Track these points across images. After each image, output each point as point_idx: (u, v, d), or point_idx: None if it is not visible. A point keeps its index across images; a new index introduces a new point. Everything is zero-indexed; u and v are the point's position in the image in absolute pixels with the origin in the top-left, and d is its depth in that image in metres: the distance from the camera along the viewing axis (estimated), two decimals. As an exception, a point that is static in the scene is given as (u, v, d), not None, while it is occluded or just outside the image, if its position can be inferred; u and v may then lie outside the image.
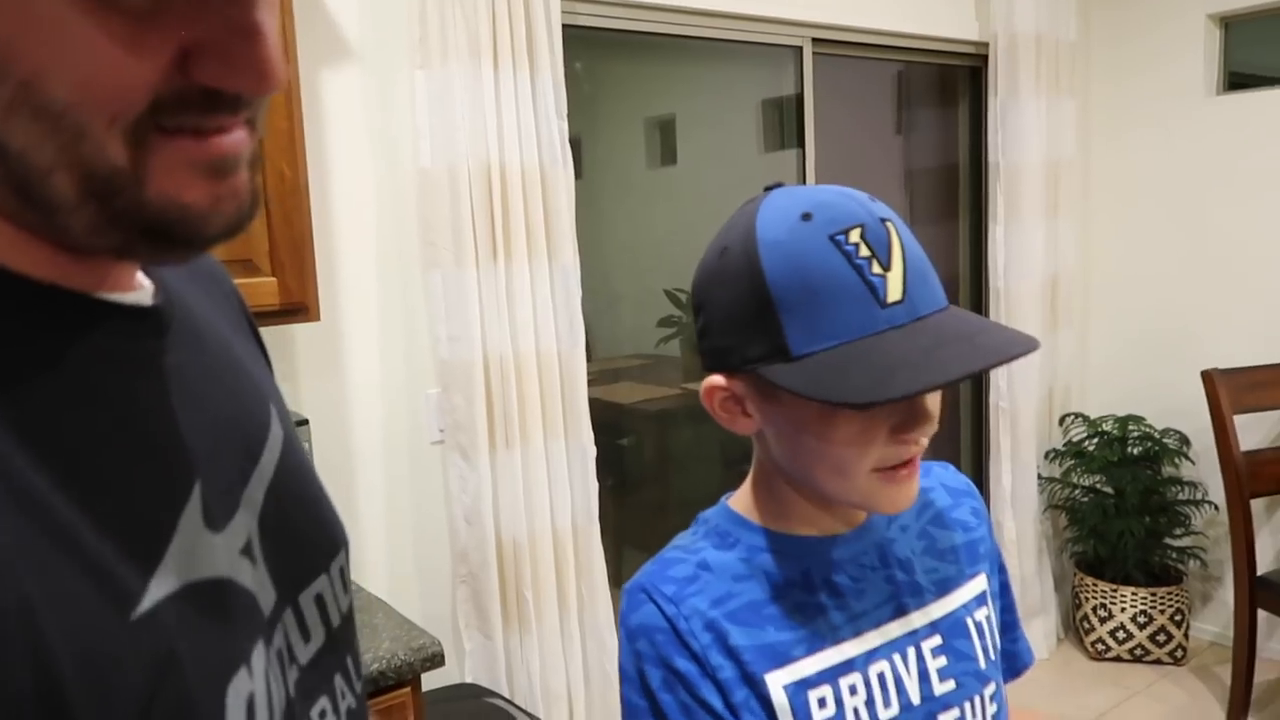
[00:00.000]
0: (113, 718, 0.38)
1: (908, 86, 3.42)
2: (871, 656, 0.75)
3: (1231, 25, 3.18)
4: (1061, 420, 3.38)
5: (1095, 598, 3.19)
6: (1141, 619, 3.15)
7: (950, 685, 0.77)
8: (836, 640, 0.74)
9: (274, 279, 1.57)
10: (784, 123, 2.95)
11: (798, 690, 0.72)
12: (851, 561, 0.77)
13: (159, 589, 0.42)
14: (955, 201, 3.52)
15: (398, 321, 2.06)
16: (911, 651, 0.76)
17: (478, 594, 2.08)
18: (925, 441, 0.72)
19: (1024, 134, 3.10)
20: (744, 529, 0.78)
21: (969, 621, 0.80)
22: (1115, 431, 3.22)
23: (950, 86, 3.46)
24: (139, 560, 0.41)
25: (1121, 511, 3.12)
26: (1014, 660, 0.91)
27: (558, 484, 2.15)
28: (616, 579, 2.37)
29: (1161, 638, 3.16)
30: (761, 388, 0.71)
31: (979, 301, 3.44)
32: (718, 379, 0.74)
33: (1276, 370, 2.89)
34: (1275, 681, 3.02)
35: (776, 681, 0.72)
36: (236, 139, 0.42)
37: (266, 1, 0.40)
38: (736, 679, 0.71)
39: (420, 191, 2.00)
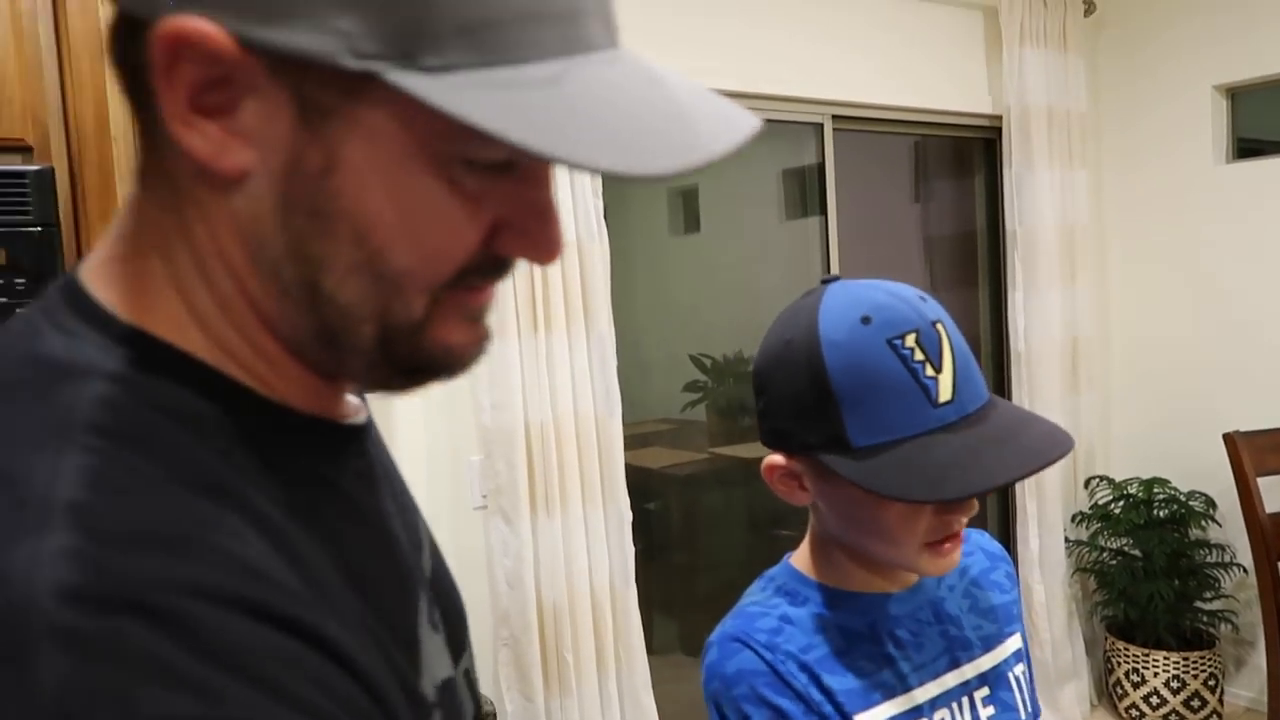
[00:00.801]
0: None
1: (925, 157, 3.54)
2: (935, 704, 0.82)
3: (1238, 96, 3.29)
4: (1087, 483, 3.41)
5: (1127, 662, 3.19)
6: (1175, 684, 3.14)
7: None
8: (906, 688, 0.81)
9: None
10: (805, 192, 3.05)
11: None
12: (909, 617, 0.84)
13: (430, 699, 0.48)
14: (974, 268, 3.60)
15: (441, 390, 2.14)
16: (965, 700, 0.83)
17: (519, 656, 2.12)
18: (966, 520, 0.79)
19: (1039, 202, 3.19)
20: (809, 587, 0.85)
21: (1010, 676, 0.88)
22: (1140, 494, 3.25)
23: (966, 157, 3.57)
24: (412, 664, 0.47)
25: (1150, 574, 3.13)
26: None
27: (596, 548, 2.21)
28: (648, 643, 2.40)
29: (1196, 703, 3.14)
30: (818, 469, 0.78)
31: (1001, 365, 3.50)
32: (778, 458, 0.81)
33: (1298, 431, 2.92)
34: (1313, 746, 2.98)
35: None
36: (491, 291, 0.48)
37: (553, 184, 0.46)
38: (835, 716, 0.78)
39: (464, 266, 2.10)
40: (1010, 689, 0.86)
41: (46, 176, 1.39)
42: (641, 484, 2.28)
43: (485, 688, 2.13)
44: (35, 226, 1.38)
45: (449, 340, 0.46)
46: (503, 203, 0.44)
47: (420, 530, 0.58)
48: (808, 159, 2.99)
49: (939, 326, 0.75)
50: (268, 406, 0.45)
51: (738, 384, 3.17)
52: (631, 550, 2.27)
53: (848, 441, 0.74)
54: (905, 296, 0.77)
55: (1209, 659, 3.14)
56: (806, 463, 0.79)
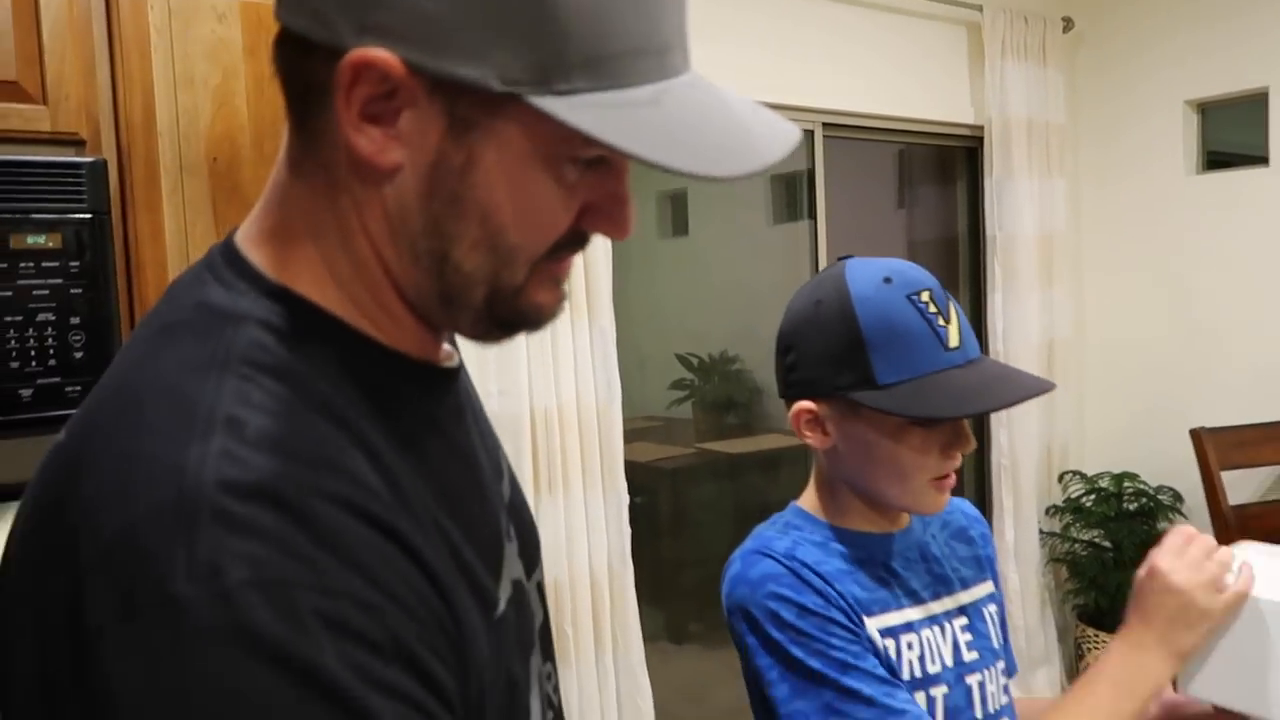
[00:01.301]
0: (472, 693, 0.53)
1: (910, 165, 3.68)
2: (921, 625, 0.94)
3: (1208, 110, 3.44)
4: (1060, 477, 3.56)
5: (1098, 648, 3.33)
6: (1142, 669, 3.28)
7: (975, 655, 0.97)
8: (900, 606, 0.94)
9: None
10: (793, 197, 3.18)
11: (880, 636, 0.91)
12: (900, 554, 0.98)
13: (503, 596, 0.58)
14: (955, 271, 3.75)
15: (451, 378, 2.26)
16: (948, 626, 0.96)
17: (521, 631, 2.24)
18: (961, 459, 0.93)
19: (1018, 209, 3.34)
20: (815, 524, 0.97)
21: (985, 612, 1.01)
22: (1111, 488, 3.40)
23: (949, 165, 3.71)
24: (491, 573, 0.58)
25: (1119, 564, 3.27)
26: (1007, 665, 1.10)
27: (595, 529, 2.33)
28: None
29: (1161, 688, 3.29)
30: (844, 410, 0.92)
31: (980, 365, 3.63)
32: (807, 403, 0.94)
33: (1261, 429, 3.07)
34: (1271, 730, 3.13)
35: (871, 625, 0.91)
36: (572, 261, 0.60)
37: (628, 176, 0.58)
38: (849, 608, 0.90)
39: (475, 260, 2.22)
40: (985, 623, 1.00)
41: (99, 168, 1.50)
42: (629, 478, 2.40)
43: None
44: (87, 214, 1.49)
45: (540, 300, 0.57)
46: (591, 190, 0.55)
47: (501, 460, 0.70)
48: (798, 165, 3.12)
49: (942, 290, 0.91)
50: (386, 354, 0.57)
51: (724, 382, 3.28)
52: (629, 532, 2.39)
53: (875, 379, 0.87)
54: (915, 267, 0.93)
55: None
56: (833, 405, 0.92)
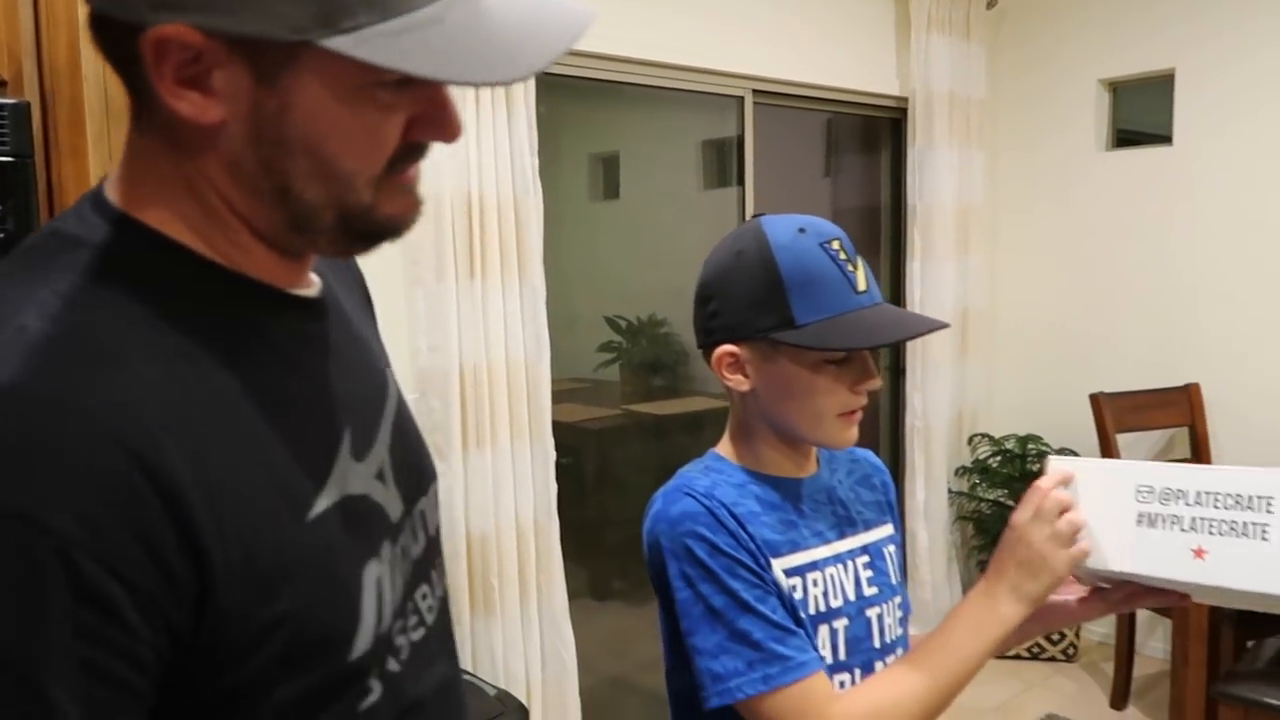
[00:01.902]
0: (286, 595, 0.57)
1: (837, 134, 3.76)
2: (826, 562, 1.02)
3: (1119, 89, 3.60)
4: (970, 440, 3.72)
5: (998, 601, 3.51)
6: (1039, 620, 3.48)
7: (875, 590, 1.06)
8: (807, 547, 1.02)
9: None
10: (724, 162, 3.23)
11: (786, 576, 0.99)
12: (809, 497, 1.06)
13: (322, 503, 0.62)
14: (877, 239, 3.86)
15: (381, 333, 2.27)
16: (850, 563, 1.05)
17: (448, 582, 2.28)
18: (866, 396, 1.01)
19: (939, 180, 3.45)
20: (732, 468, 1.04)
21: (885, 551, 1.10)
22: (1016, 450, 3.57)
23: (874, 135, 3.81)
24: (312, 480, 0.62)
25: (1021, 522, 3.45)
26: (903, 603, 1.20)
27: (522, 483, 2.37)
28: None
29: (1055, 637, 3.50)
30: (764, 350, 0.99)
31: (898, 330, 3.77)
32: (729, 347, 1.01)
33: (1154, 395, 3.26)
34: (1152, 675, 3.37)
35: (776, 566, 0.98)
36: (418, 169, 0.65)
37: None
38: (757, 550, 0.97)
39: (405, 215, 2.22)
40: (885, 561, 1.09)
41: (22, 111, 1.47)
42: (556, 438, 2.44)
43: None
44: (9, 158, 1.46)
45: (392, 211, 0.63)
46: (412, 104, 0.60)
47: (384, 388, 0.76)
48: (726, 131, 3.17)
49: (849, 240, 1.01)
50: (228, 276, 0.62)
51: (652, 345, 3.34)
52: (555, 487, 2.44)
53: (794, 320, 0.96)
54: (822, 219, 1.02)
55: (1069, 599, 3.49)
56: (754, 347, 0.99)
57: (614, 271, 3.15)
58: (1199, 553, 0.93)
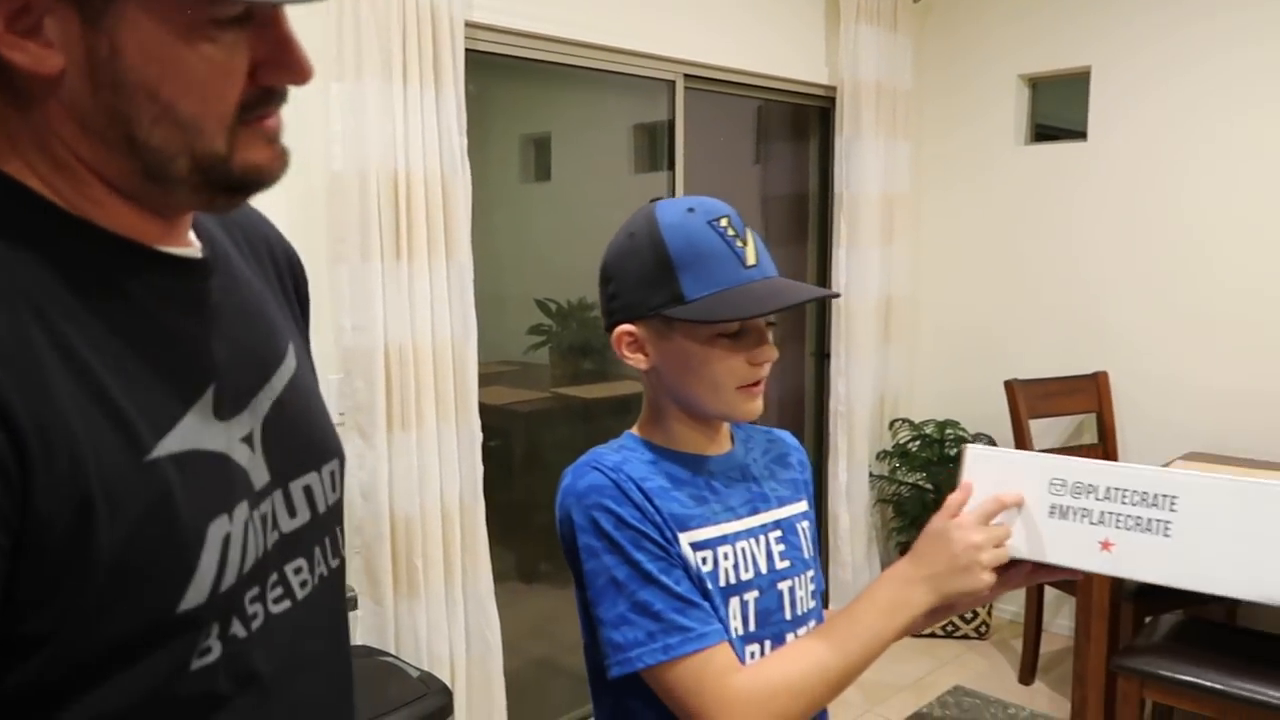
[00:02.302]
0: (115, 528, 0.57)
1: (767, 121, 3.80)
2: (738, 536, 1.04)
3: (1038, 85, 3.70)
4: (891, 424, 3.81)
5: (915, 581, 3.62)
6: (953, 599, 3.60)
7: (787, 564, 1.08)
8: (717, 522, 1.03)
9: (205, 264, 1.73)
10: (655, 146, 3.24)
11: (695, 549, 1.00)
12: (723, 473, 1.07)
13: (165, 448, 0.61)
14: (805, 226, 3.92)
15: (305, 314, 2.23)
16: (763, 538, 1.06)
17: (370, 564, 2.26)
18: (768, 367, 1.02)
19: (865, 169, 3.52)
20: (646, 446, 1.06)
21: (798, 527, 1.12)
22: (934, 434, 3.67)
23: (803, 123, 3.86)
24: (155, 425, 0.61)
25: (939, 505, 3.54)
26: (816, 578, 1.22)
27: (448, 464, 2.36)
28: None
29: (968, 615, 3.62)
30: (660, 329, 1.01)
31: (824, 316, 3.84)
32: (627, 326, 1.02)
33: (1064, 382, 3.39)
34: (1059, 651, 3.51)
35: (684, 540, 0.99)
36: (279, 118, 0.66)
37: (288, 22, 0.63)
38: (664, 523, 0.98)
39: (330, 193, 2.18)
40: (798, 536, 1.11)
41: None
42: (484, 421, 2.43)
43: (339, 591, 2.26)
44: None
45: (253, 159, 0.63)
46: (254, 46, 0.61)
47: (259, 368, 0.74)
48: (658, 116, 3.18)
49: (739, 217, 1.03)
50: (78, 224, 0.61)
51: (582, 328, 3.33)
52: (481, 468, 2.43)
53: (684, 296, 0.97)
54: (716, 200, 1.03)
55: (982, 578, 3.61)
56: (650, 325, 1.01)
57: (545, 254, 3.13)
58: (1106, 545, 0.98)
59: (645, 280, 1.00)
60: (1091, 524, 0.99)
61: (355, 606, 1.73)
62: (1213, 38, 3.17)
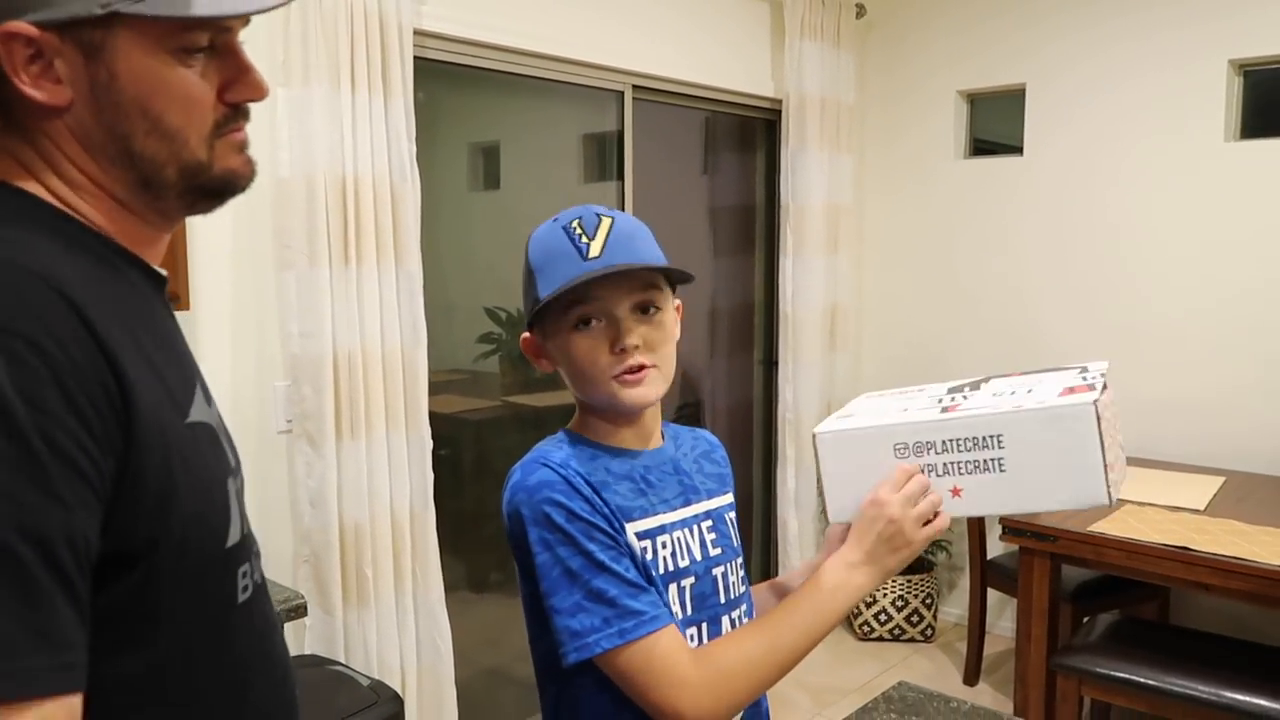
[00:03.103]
0: (183, 472, 0.68)
1: (714, 133, 3.85)
2: (674, 526, 1.09)
3: (976, 101, 3.81)
4: (837, 431, 3.86)
5: (862, 585, 3.67)
6: (900, 603, 3.66)
7: (719, 551, 1.13)
8: (655, 513, 1.08)
9: (149, 268, 1.72)
10: (604, 157, 3.27)
11: (638, 539, 1.05)
12: (656, 468, 1.12)
13: (193, 416, 0.74)
14: (752, 236, 3.97)
15: (249, 317, 2.21)
16: (695, 527, 1.12)
17: (320, 572, 2.23)
18: (640, 355, 1.04)
19: (810, 181, 3.58)
20: (584, 442, 1.10)
21: (726, 517, 1.18)
22: (880, 441, 3.73)
23: (750, 136, 3.92)
24: (184, 398, 0.73)
25: (884, 509, 3.61)
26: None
27: (397, 472, 2.34)
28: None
29: (915, 618, 3.68)
30: (542, 333, 1.09)
31: (770, 325, 3.89)
32: (525, 334, 1.11)
33: (1004, 389, 3.47)
34: (1002, 653, 3.58)
35: (630, 530, 1.04)
36: (246, 132, 0.78)
37: (244, 52, 0.76)
38: (611, 514, 1.03)
39: (277, 198, 2.17)
40: (726, 525, 1.17)
41: None
42: (434, 429, 2.42)
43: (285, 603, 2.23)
44: None
45: (230, 166, 0.76)
46: (220, 71, 0.74)
47: (201, 373, 0.84)
48: (608, 126, 3.21)
49: (604, 218, 1.06)
50: (97, 234, 0.73)
51: (531, 337, 3.34)
52: (431, 476, 2.42)
53: (539, 298, 1.04)
54: (590, 207, 1.09)
55: (927, 582, 3.68)
56: (537, 331, 1.09)
57: (494, 262, 3.13)
58: (956, 491, 1.07)
59: (525, 292, 1.09)
60: (938, 476, 1.07)
61: (305, 614, 1.72)
62: (1143, 58, 3.30)
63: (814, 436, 1.12)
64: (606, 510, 1.02)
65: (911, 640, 3.70)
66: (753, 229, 3.97)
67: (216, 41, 0.73)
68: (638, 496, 1.07)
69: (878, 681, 3.37)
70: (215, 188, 0.76)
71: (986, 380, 1.18)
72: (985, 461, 1.05)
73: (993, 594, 3.49)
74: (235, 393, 2.19)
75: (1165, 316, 3.32)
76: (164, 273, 0.80)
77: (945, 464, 1.06)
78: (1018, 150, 3.61)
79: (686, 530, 1.10)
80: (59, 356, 0.60)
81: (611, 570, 0.99)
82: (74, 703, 0.59)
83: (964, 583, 3.82)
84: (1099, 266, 3.45)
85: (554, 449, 1.07)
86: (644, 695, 0.98)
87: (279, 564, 2.26)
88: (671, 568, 1.06)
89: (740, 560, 1.17)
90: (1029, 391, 1.09)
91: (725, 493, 1.20)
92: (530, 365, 3.42)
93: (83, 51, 0.68)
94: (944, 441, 1.06)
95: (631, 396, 1.05)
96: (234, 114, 0.75)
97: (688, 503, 1.12)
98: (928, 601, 3.68)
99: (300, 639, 2.23)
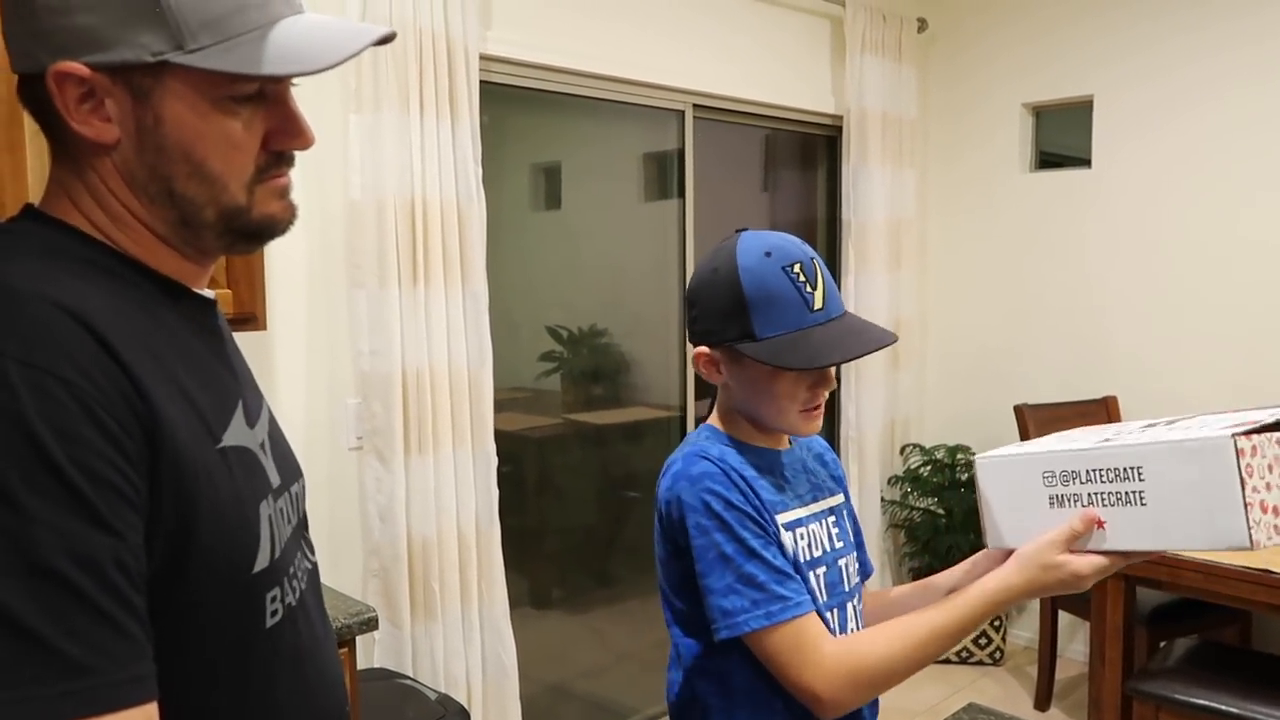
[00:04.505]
0: (209, 498, 0.69)
1: (775, 150, 3.85)
2: (808, 520, 1.19)
3: (1042, 113, 3.75)
4: (901, 450, 3.82)
5: (928, 606, 3.61)
6: (966, 625, 3.59)
7: (841, 544, 1.23)
8: (793, 506, 1.18)
9: (229, 290, 1.78)
10: (665, 176, 3.29)
11: (785, 529, 1.14)
12: (789, 466, 1.22)
13: (228, 440, 0.75)
14: (813, 253, 3.95)
15: (322, 336, 2.27)
16: (824, 521, 1.22)
17: (388, 586, 2.28)
18: (828, 393, 1.16)
19: (872, 197, 3.56)
20: (727, 440, 1.19)
21: (843, 513, 1.28)
22: (945, 459, 3.68)
23: (810, 152, 3.91)
24: (218, 420, 0.75)
25: (950, 529, 3.56)
26: (863, 566, 1.33)
27: (464, 487, 2.38)
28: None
29: (983, 641, 3.61)
30: (733, 355, 1.14)
31: (832, 343, 3.87)
32: (704, 349, 1.16)
33: (1074, 406, 3.40)
34: (1074, 677, 3.49)
35: (780, 520, 1.13)
36: (290, 177, 0.80)
37: (294, 100, 0.78)
38: (762, 506, 1.12)
39: (349, 220, 2.23)
40: (844, 521, 1.27)
41: (-42, 104, 1.45)
42: (497, 446, 2.45)
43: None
44: (-56, 152, 1.45)
45: (269, 210, 0.78)
46: (266, 119, 0.76)
47: (258, 397, 0.87)
48: (667, 145, 3.23)
49: (815, 261, 1.14)
50: (134, 262, 0.75)
51: (592, 355, 3.37)
52: (496, 492, 2.45)
53: (754, 334, 1.11)
54: (794, 241, 1.15)
55: (995, 603, 3.60)
56: (725, 352, 1.15)
57: (555, 281, 3.16)
58: (1099, 524, 1.06)
59: (722, 313, 1.13)
60: (1084, 506, 1.07)
61: (375, 627, 1.76)
62: (1216, 71, 3.22)
63: (972, 463, 1.18)
64: (758, 501, 1.11)
65: (980, 663, 3.63)
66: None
67: (266, 89, 0.75)
68: (779, 491, 1.17)
69: (944, 705, 3.31)
70: (253, 231, 0.77)
71: (1195, 416, 1.17)
72: (1126, 494, 1.04)
73: (1064, 616, 3.41)
74: (309, 410, 2.25)
75: (1247, 329, 3.22)
76: (209, 295, 0.83)
77: (1090, 494, 1.07)
78: (1086, 163, 3.55)
79: (817, 524, 1.20)
80: (84, 385, 0.62)
81: (761, 557, 1.07)
82: (149, 710, 0.62)
83: (1034, 605, 3.74)
84: (1176, 278, 3.37)
85: (709, 444, 1.15)
86: (785, 673, 1.06)
87: (349, 578, 2.31)
88: (809, 557, 1.16)
89: (855, 554, 1.27)
90: (1186, 428, 1.07)
91: (839, 493, 1.29)
92: (592, 384, 3.47)
93: (132, 94, 0.70)
94: (1088, 471, 1.07)
95: (813, 427, 1.17)
96: (277, 160, 0.77)
97: (815, 499, 1.22)
98: (996, 623, 3.60)
99: (370, 652, 2.27)
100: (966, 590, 1.09)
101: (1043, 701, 3.28)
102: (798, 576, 1.11)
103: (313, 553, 0.91)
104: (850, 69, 3.50)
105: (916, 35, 3.74)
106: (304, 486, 0.91)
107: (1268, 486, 0.99)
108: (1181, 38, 3.28)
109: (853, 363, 3.61)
